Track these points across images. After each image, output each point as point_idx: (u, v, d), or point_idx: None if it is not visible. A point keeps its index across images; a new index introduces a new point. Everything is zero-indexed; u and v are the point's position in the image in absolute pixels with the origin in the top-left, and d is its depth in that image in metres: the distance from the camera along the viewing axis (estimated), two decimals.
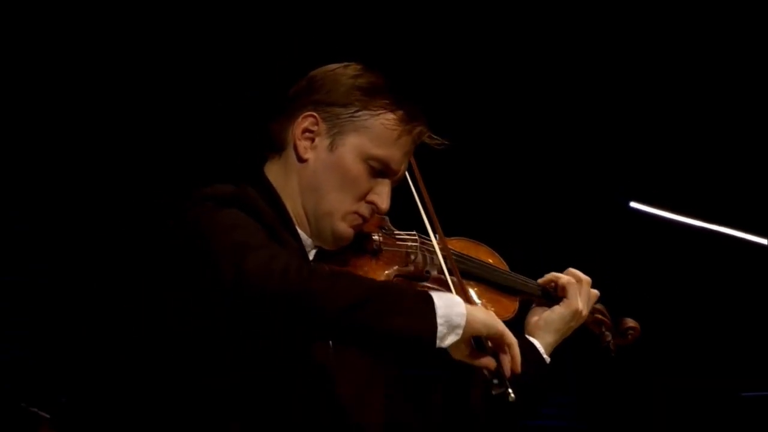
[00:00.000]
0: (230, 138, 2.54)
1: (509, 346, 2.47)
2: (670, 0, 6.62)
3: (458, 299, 2.42)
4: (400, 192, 2.76)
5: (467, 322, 2.39)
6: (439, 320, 2.37)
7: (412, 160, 2.72)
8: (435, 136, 2.72)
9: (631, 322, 3.10)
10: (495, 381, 2.48)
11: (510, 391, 2.46)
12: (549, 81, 6.84)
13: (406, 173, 2.73)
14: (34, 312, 6.35)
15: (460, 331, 2.39)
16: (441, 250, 2.76)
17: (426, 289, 2.72)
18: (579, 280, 2.94)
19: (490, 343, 2.47)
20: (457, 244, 2.87)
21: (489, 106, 6.78)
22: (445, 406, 2.85)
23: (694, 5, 6.57)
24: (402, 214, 2.82)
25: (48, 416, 5.32)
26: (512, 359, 2.48)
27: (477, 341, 2.47)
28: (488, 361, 2.47)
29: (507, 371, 2.48)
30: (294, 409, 2.54)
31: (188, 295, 2.47)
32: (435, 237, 2.77)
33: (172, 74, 6.36)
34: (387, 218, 2.79)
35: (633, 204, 5.83)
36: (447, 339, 2.39)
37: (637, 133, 6.88)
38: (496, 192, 6.70)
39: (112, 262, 6.05)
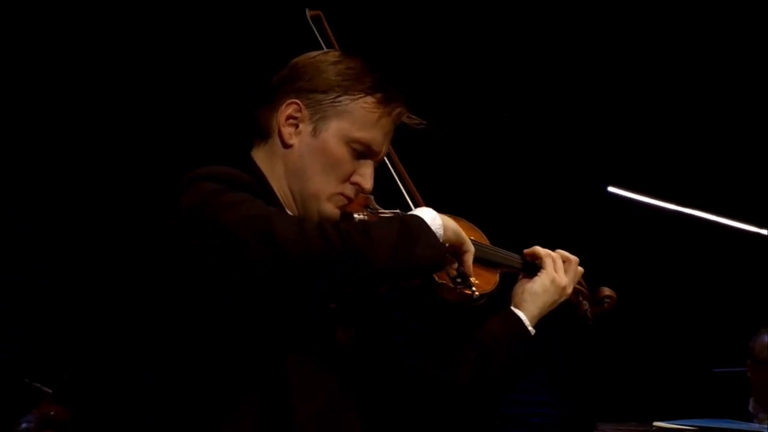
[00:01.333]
0: (220, 127, 2.56)
1: (468, 252, 2.64)
2: None
3: (432, 212, 2.59)
4: (386, 171, 2.83)
5: (444, 230, 2.56)
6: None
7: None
8: (414, 117, 2.77)
9: (607, 291, 3.11)
10: (459, 280, 2.63)
11: (474, 289, 2.64)
12: (532, 69, 6.88)
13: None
14: (35, 308, 6.37)
15: (442, 240, 2.57)
16: None
17: None
18: (566, 260, 2.96)
19: (453, 248, 2.63)
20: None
21: (473, 94, 6.82)
22: (431, 386, 2.87)
23: None
24: (388, 192, 2.88)
25: (50, 391, 5.39)
26: (465, 263, 2.65)
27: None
28: (452, 262, 2.65)
29: (469, 271, 2.64)
30: (289, 404, 2.55)
31: (189, 293, 2.49)
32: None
33: (165, 71, 6.38)
34: (372, 197, 2.81)
35: (611, 189, 5.87)
36: None
37: (616, 121, 6.96)
38: (479, 179, 6.74)
39: (116, 263, 6.07)
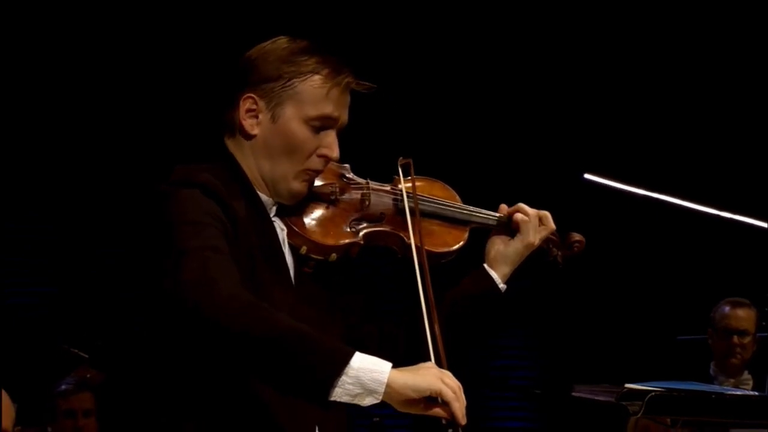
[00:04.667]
0: (205, 125, 2.55)
1: (450, 402, 2.40)
2: None
3: (383, 367, 2.37)
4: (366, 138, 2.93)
5: (391, 389, 2.36)
6: (347, 378, 2.34)
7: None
8: (363, 82, 2.75)
9: (576, 236, 3.04)
10: (450, 430, 2.42)
11: None
12: (513, 57, 6.89)
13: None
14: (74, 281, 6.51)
15: (379, 396, 2.36)
16: (394, 192, 2.85)
17: (383, 230, 2.81)
18: (543, 217, 2.94)
19: (437, 398, 2.41)
20: (413, 182, 2.88)
21: (457, 82, 6.87)
22: (407, 338, 2.85)
23: None
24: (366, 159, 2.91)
25: (87, 356, 5.54)
26: (455, 412, 2.41)
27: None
28: (440, 412, 2.40)
29: (459, 421, 2.41)
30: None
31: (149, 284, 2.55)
32: (402, 177, 2.85)
33: (156, 75, 6.48)
34: (348, 166, 2.85)
35: (587, 175, 5.85)
36: (365, 399, 2.37)
37: (593, 111, 7.01)
38: (459, 166, 6.84)
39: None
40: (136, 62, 6.57)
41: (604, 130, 6.99)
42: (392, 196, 2.86)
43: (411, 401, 2.40)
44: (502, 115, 6.99)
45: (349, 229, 2.78)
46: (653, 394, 3.84)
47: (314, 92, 2.68)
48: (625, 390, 3.87)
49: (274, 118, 2.69)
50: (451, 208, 2.93)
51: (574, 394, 4.20)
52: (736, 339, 5.65)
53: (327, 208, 2.79)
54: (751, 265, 6.21)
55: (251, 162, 2.71)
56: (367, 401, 2.38)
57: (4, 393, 4.29)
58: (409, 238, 2.77)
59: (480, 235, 2.98)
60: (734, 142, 6.97)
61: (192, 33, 6.49)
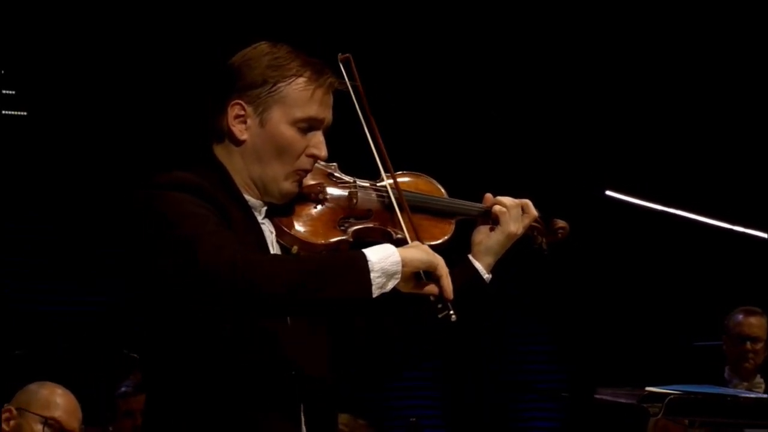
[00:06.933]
0: (194, 131, 2.54)
1: (442, 276, 2.51)
2: None
3: (391, 249, 2.49)
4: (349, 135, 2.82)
5: (404, 264, 2.47)
6: (374, 274, 2.44)
7: (366, 103, 2.77)
8: (344, 81, 2.74)
9: (560, 223, 3.00)
10: (439, 305, 2.52)
11: (452, 312, 2.51)
12: (534, 72, 6.87)
13: (360, 116, 2.78)
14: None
15: (399, 276, 2.47)
16: (380, 189, 2.81)
17: (371, 226, 2.79)
18: (524, 206, 2.92)
19: (429, 275, 2.52)
20: (398, 178, 2.85)
21: (474, 97, 6.83)
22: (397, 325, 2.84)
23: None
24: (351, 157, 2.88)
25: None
26: (444, 287, 2.51)
27: (418, 274, 2.52)
28: (432, 288, 2.51)
29: (448, 295, 2.51)
30: (253, 349, 2.57)
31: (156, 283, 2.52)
32: (385, 174, 2.80)
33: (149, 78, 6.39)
34: (335, 165, 2.83)
35: (609, 192, 5.88)
36: (388, 285, 2.46)
37: (615, 129, 7.02)
38: (483, 182, 6.82)
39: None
40: (137, 63, 6.46)
41: (627, 148, 6.99)
42: (379, 193, 2.82)
43: (410, 278, 2.51)
44: (526, 132, 6.96)
45: (338, 227, 2.75)
46: (672, 396, 3.98)
47: (299, 95, 2.67)
48: (646, 393, 4.00)
49: (262, 123, 2.67)
50: (436, 201, 2.88)
51: (597, 396, 4.32)
52: (749, 345, 5.72)
53: (315, 207, 2.76)
54: (762, 276, 6.29)
55: (241, 166, 2.69)
56: (389, 285, 2.47)
57: (71, 395, 4.43)
58: (397, 233, 2.75)
59: (468, 226, 2.97)
60: (749, 161, 7.01)
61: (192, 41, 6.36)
